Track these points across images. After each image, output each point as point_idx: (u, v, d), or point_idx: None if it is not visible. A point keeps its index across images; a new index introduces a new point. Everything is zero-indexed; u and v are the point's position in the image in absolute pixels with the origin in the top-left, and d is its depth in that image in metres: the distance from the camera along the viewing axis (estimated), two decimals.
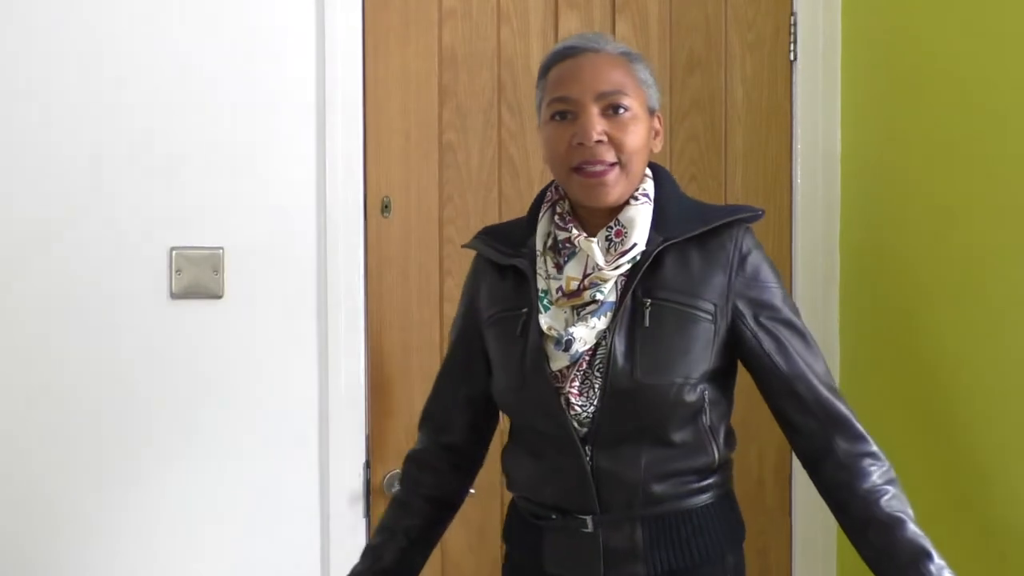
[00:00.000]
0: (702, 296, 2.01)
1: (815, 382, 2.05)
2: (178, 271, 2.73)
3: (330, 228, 2.79)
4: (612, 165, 2.00)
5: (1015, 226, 2.42)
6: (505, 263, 2.11)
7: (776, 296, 2.07)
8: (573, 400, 1.99)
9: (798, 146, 3.02)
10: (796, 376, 2.04)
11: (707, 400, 2.01)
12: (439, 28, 2.88)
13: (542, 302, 2.04)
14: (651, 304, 1.99)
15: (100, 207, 2.70)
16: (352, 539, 2.81)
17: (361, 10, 2.83)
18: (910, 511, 2.04)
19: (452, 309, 2.85)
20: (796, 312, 2.09)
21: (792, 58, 3.03)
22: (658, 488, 2.00)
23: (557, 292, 2.03)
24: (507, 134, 2.91)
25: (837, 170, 3.00)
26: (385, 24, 2.86)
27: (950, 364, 2.62)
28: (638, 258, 2.02)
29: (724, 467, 2.09)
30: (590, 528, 2.01)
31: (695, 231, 2.03)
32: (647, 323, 1.98)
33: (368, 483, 2.84)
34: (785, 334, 2.05)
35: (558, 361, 2.00)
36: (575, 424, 1.99)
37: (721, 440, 2.05)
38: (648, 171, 2.10)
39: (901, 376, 2.79)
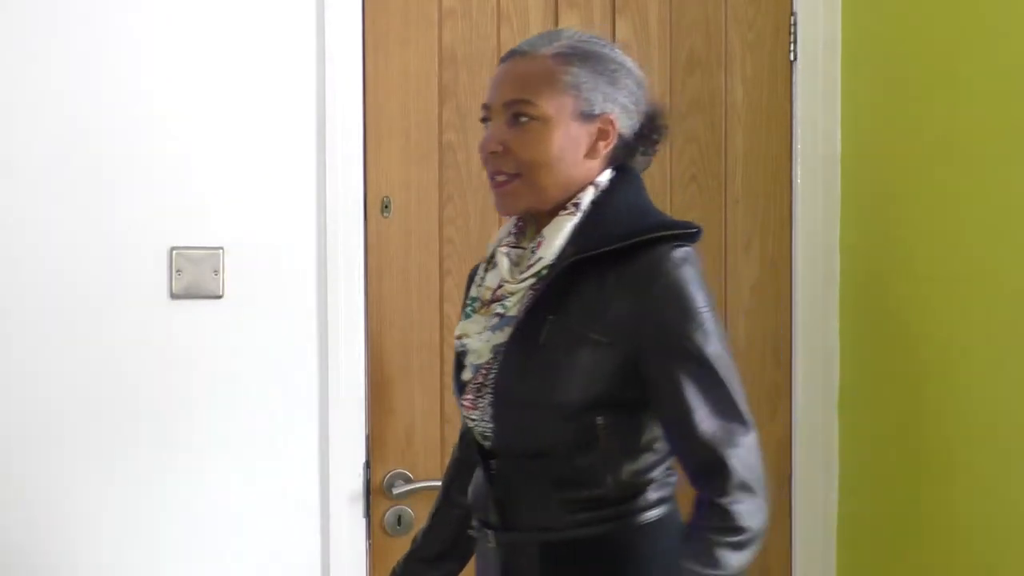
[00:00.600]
0: (604, 319, 1.86)
1: (696, 427, 1.84)
2: (178, 271, 2.73)
3: (330, 228, 2.79)
4: (514, 176, 1.93)
5: (1015, 226, 2.42)
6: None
7: (685, 326, 1.85)
8: (466, 412, 1.98)
9: (798, 146, 3.02)
10: (679, 418, 1.86)
11: (603, 429, 1.88)
12: (439, 28, 2.88)
13: (466, 309, 2.02)
14: (551, 322, 1.87)
15: (100, 207, 2.70)
16: (352, 539, 2.81)
17: (361, 10, 2.83)
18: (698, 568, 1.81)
19: (452, 309, 2.86)
20: (709, 340, 1.86)
21: (792, 58, 3.03)
22: (556, 512, 1.91)
23: (479, 301, 2.02)
24: None
25: (837, 170, 3.00)
26: (385, 24, 2.86)
27: (950, 364, 2.62)
28: (544, 272, 1.92)
29: (629, 500, 1.92)
30: (492, 544, 1.98)
31: (608, 247, 1.87)
32: (541, 341, 1.87)
33: (368, 483, 2.83)
34: (680, 372, 1.85)
35: (467, 371, 1.99)
36: (481, 436, 1.98)
37: (624, 472, 1.91)
38: (603, 177, 1.97)
39: (901, 376, 2.79)
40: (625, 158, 2.01)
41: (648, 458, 1.93)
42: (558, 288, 1.88)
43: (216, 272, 2.75)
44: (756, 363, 3.01)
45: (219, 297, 2.76)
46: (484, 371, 1.95)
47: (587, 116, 1.94)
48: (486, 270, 2.04)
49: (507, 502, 1.95)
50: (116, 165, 2.71)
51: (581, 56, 1.94)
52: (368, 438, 2.84)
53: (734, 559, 1.79)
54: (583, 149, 1.94)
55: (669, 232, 1.88)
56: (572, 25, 2.93)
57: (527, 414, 1.90)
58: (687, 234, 1.89)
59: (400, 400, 2.85)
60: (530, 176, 1.92)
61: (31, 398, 2.68)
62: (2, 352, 2.67)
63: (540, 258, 1.92)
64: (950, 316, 2.62)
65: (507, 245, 2.00)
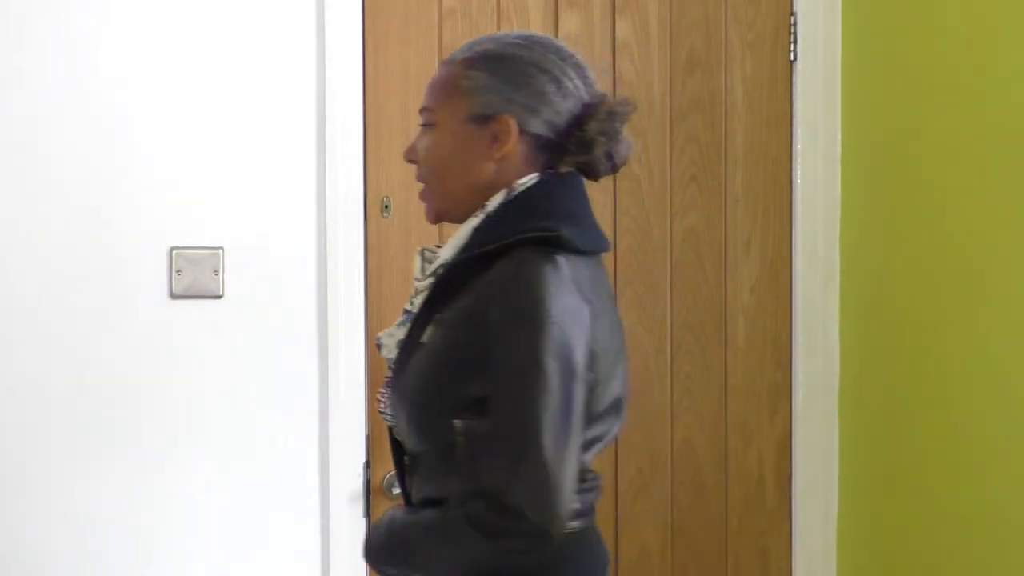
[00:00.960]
0: (468, 319, 1.83)
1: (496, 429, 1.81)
2: (178, 271, 2.73)
3: (330, 228, 2.79)
4: (422, 182, 2.00)
5: (1015, 226, 2.42)
6: None
7: (507, 335, 1.79)
8: (381, 406, 1.98)
9: (798, 146, 3.02)
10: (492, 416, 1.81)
11: (465, 433, 1.82)
12: (439, 28, 2.88)
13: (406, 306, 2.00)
14: (436, 321, 1.88)
15: (100, 207, 2.70)
16: (352, 539, 2.81)
17: (361, 10, 2.83)
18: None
19: None
20: (534, 348, 1.77)
21: (792, 58, 3.03)
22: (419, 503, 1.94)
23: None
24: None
25: (837, 170, 3.00)
26: (385, 24, 2.86)
27: (950, 364, 2.62)
28: (440, 271, 1.91)
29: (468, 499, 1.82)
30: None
31: (469, 253, 1.87)
32: (423, 340, 1.88)
33: (368, 483, 2.83)
34: (496, 375, 1.79)
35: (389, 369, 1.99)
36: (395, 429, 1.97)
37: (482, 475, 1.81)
38: (522, 180, 1.91)
39: (901, 376, 2.79)
40: (554, 159, 1.93)
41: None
42: (448, 288, 1.88)
43: (216, 272, 2.75)
44: (756, 363, 3.01)
45: (219, 297, 2.76)
46: (392, 367, 1.96)
47: (480, 118, 1.92)
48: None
49: (415, 500, 1.95)
50: (116, 165, 2.71)
51: (486, 59, 1.92)
52: (368, 438, 2.84)
53: None
54: (479, 152, 1.93)
55: (531, 236, 1.82)
56: (572, 25, 2.93)
57: (400, 409, 1.90)
58: (543, 237, 1.83)
59: None
60: (429, 180, 1.98)
61: (31, 398, 2.68)
62: (2, 352, 2.67)
63: (439, 258, 1.93)
64: (950, 316, 2.62)
65: (419, 248, 2.03)
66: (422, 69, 2.87)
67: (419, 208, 2.92)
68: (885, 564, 2.85)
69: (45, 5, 2.69)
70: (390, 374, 1.95)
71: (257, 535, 2.78)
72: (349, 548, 2.80)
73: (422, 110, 1.99)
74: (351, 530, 2.81)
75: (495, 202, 1.91)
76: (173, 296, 2.74)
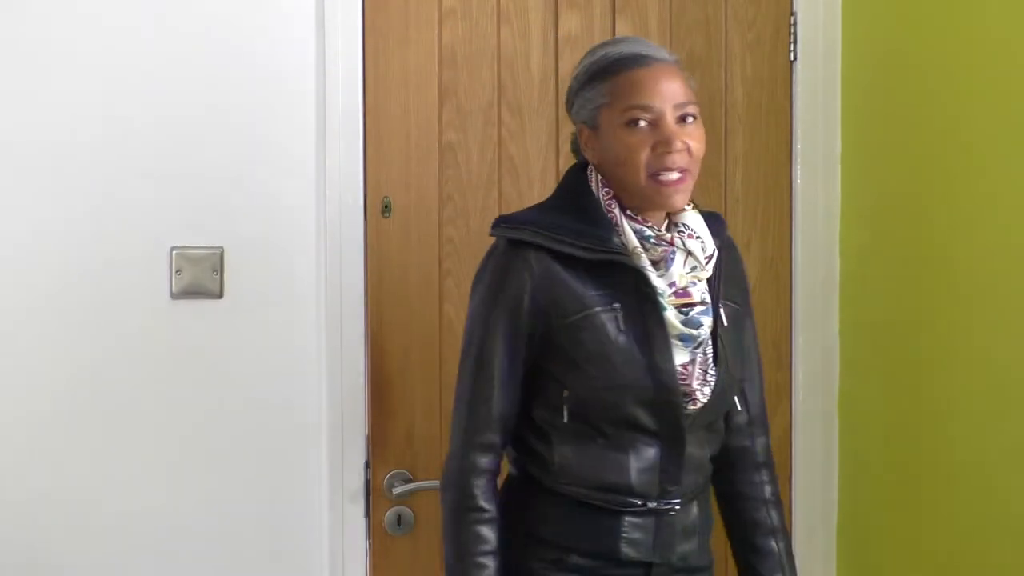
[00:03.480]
0: (735, 298, 2.27)
1: (757, 390, 2.38)
2: (178, 271, 2.73)
3: (330, 228, 2.79)
4: (685, 171, 2.13)
5: (1015, 226, 2.42)
6: (596, 258, 2.14)
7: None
8: (698, 395, 2.15)
9: (798, 146, 3.02)
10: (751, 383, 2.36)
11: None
12: (439, 28, 2.88)
13: (663, 298, 2.14)
14: (723, 305, 2.21)
15: (100, 207, 2.70)
16: (352, 539, 2.81)
17: (361, 10, 2.83)
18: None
19: (452, 309, 2.85)
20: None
21: (792, 58, 3.03)
22: (708, 471, 2.27)
23: (670, 289, 2.15)
24: (507, 134, 2.91)
25: (837, 170, 3.00)
26: (385, 24, 2.86)
27: (950, 364, 2.62)
28: (717, 256, 2.21)
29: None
30: (676, 511, 2.19)
31: (723, 235, 2.27)
32: (725, 323, 2.20)
33: (368, 483, 2.83)
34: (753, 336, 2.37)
35: (680, 356, 2.14)
36: (679, 411, 2.15)
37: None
38: None
39: (901, 376, 2.79)
40: None
41: None
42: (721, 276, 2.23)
43: (216, 272, 2.75)
44: None
45: (219, 297, 2.76)
46: (702, 355, 2.16)
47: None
48: (651, 260, 2.16)
49: (691, 469, 2.20)
50: (116, 165, 2.71)
51: (681, 63, 2.24)
52: (368, 438, 2.84)
53: None
54: None
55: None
56: (572, 25, 2.93)
57: (732, 388, 2.23)
58: None
59: (400, 400, 2.85)
60: (694, 171, 2.17)
61: (31, 398, 2.68)
62: (2, 351, 2.67)
63: (715, 248, 2.20)
64: (950, 316, 2.62)
65: (680, 236, 2.19)
66: (422, 69, 2.87)
67: (419, 208, 2.95)
68: (885, 564, 2.85)
69: (46, 7, 2.68)
70: (697, 359, 2.16)
71: (257, 535, 2.78)
72: (349, 548, 2.80)
73: (685, 104, 2.15)
74: (351, 530, 2.81)
75: None
76: (173, 296, 2.74)
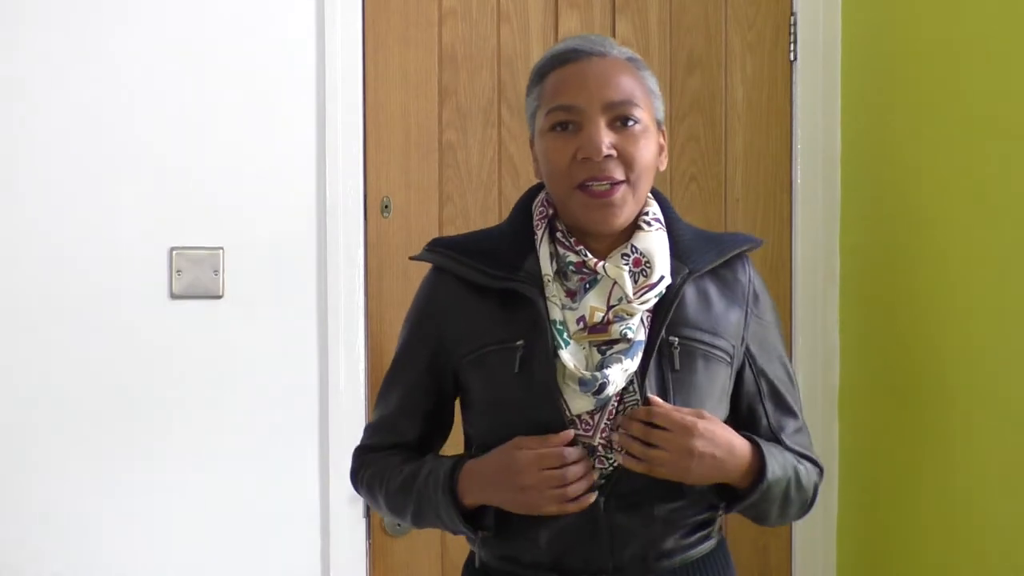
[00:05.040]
0: (722, 335, 1.89)
1: (792, 432, 2.03)
2: (178, 271, 2.73)
3: (330, 228, 2.79)
4: (620, 183, 1.82)
5: (1015, 226, 2.42)
6: (499, 286, 1.85)
7: (780, 337, 2.00)
8: (600, 452, 1.82)
9: (798, 146, 3.02)
10: (779, 425, 2.00)
11: None
12: (439, 28, 2.88)
13: (561, 336, 1.82)
14: (679, 344, 1.85)
15: (100, 207, 2.70)
16: (352, 539, 2.81)
17: (361, 10, 2.83)
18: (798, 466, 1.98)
19: None
20: (785, 347, 2.03)
21: (792, 58, 3.03)
22: (670, 542, 1.88)
23: (578, 324, 1.82)
24: (507, 134, 2.91)
25: (837, 170, 3.00)
26: (385, 24, 2.86)
27: (950, 364, 2.62)
28: (663, 292, 1.85)
29: (713, 512, 1.97)
30: None
31: (714, 262, 1.91)
32: (677, 365, 1.84)
33: None
34: (780, 378, 1.99)
35: (578, 404, 1.81)
36: (593, 477, 1.83)
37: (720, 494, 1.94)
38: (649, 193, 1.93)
39: (901, 376, 2.79)
40: None
41: None
42: (667, 308, 1.85)
43: (216, 272, 2.75)
44: None
45: (219, 297, 2.76)
46: (615, 404, 1.82)
47: (659, 125, 1.92)
48: (566, 290, 1.86)
49: (623, 540, 1.85)
50: (116, 165, 2.71)
51: (643, 64, 1.92)
52: None
53: None
54: (656, 159, 1.90)
55: (754, 244, 2.03)
56: (572, 25, 2.93)
57: None
58: (758, 246, 2.06)
59: None
60: (638, 184, 1.84)
61: (31, 397, 2.68)
62: (3, 351, 2.67)
63: (662, 276, 1.85)
64: (950, 316, 2.62)
65: (603, 262, 1.85)
66: (422, 69, 2.87)
67: (419, 208, 2.95)
68: (885, 564, 2.85)
69: (47, 8, 2.68)
70: (609, 411, 1.84)
71: (257, 535, 2.78)
72: (349, 548, 2.80)
73: (621, 103, 1.83)
74: (351, 530, 2.81)
75: (658, 212, 1.92)
76: (173, 296, 2.74)
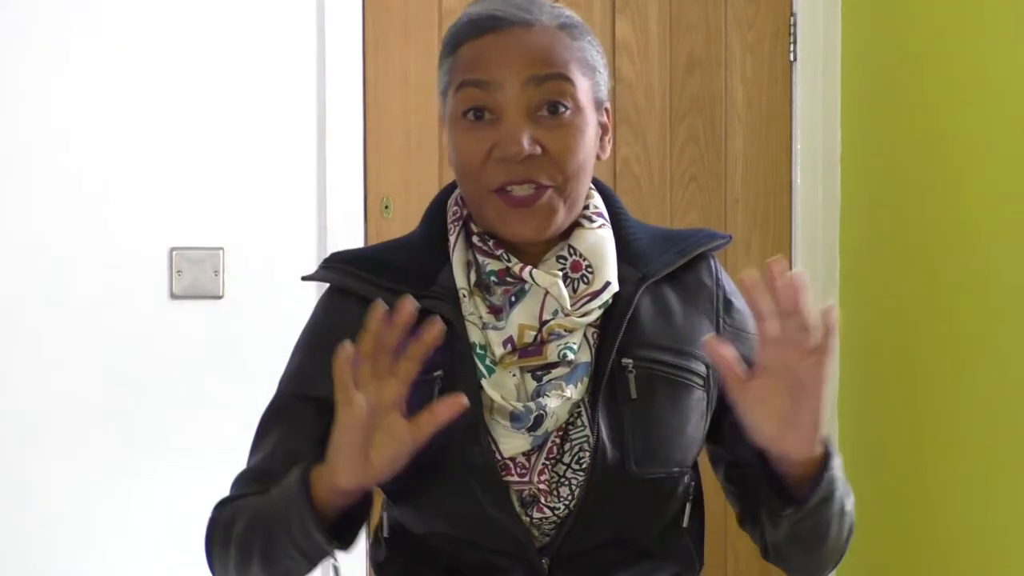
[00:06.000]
0: (692, 354, 1.50)
1: None
2: (178, 271, 2.73)
3: (330, 228, 2.79)
4: (546, 187, 1.44)
5: (1015, 225, 2.42)
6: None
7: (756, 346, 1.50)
8: (542, 500, 1.45)
9: (798, 146, 3.02)
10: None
11: (691, 493, 1.54)
12: (439, 28, 2.89)
13: (483, 362, 1.45)
14: (635, 367, 1.47)
15: (100, 207, 2.70)
16: None
17: (361, 10, 2.83)
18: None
19: None
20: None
21: (792, 58, 3.03)
22: None
23: (505, 347, 1.45)
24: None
25: (837, 170, 3.00)
26: (385, 24, 2.86)
27: (950, 363, 2.62)
28: (610, 302, 1.48)
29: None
30: None
31: (674, 263, 1.52)
32: (633, 394, 1.46)
33: None
34: None
35: (511, 444, 1.44)
36: (535, 532, 1.46)
37: (702, 544, 1.60)
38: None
39: (901, 376, 2.79)
40: None
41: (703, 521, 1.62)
42: (627, 322, 1.48)
43: (216, 272, 2.75)
44: None
45: (219, 297, 2.76)
46: (556, 441, 1.46)
47: (599, 105, 1.52)
48: (488, 305, 1.49)
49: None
50: (116, 165, 2.71)
51: (583, 29, 1.53)
52: None
53: None
54: (595, 147, 1.52)
55: (721, 242, 1.58)
56: None
57: (633, 492, 1.47)
58: (726, 243, 1.59)
59: None
60: (570, 185, 1.46)
61: (31, 397, 2.68)
62: (3, 351, 2.67)
63: (607, 283, 1.47)
64: (950, 316, 2.62)
65: (530, 268, 1.48)
66: (422, 69, 2.87)
67: (419, 208, 2.93)
68: (885, 564, 2.85)
69: (47, 7, 2.68)
70: (550, 451, 1.48)
71: None
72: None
73: (547, 80, 1.45)
74: None
75: (601, 205, 1.55)
76: (173, 296, 2.74)
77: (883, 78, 2.87)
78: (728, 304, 1.56)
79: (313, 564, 1.43)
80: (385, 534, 1.57)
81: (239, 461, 2.79)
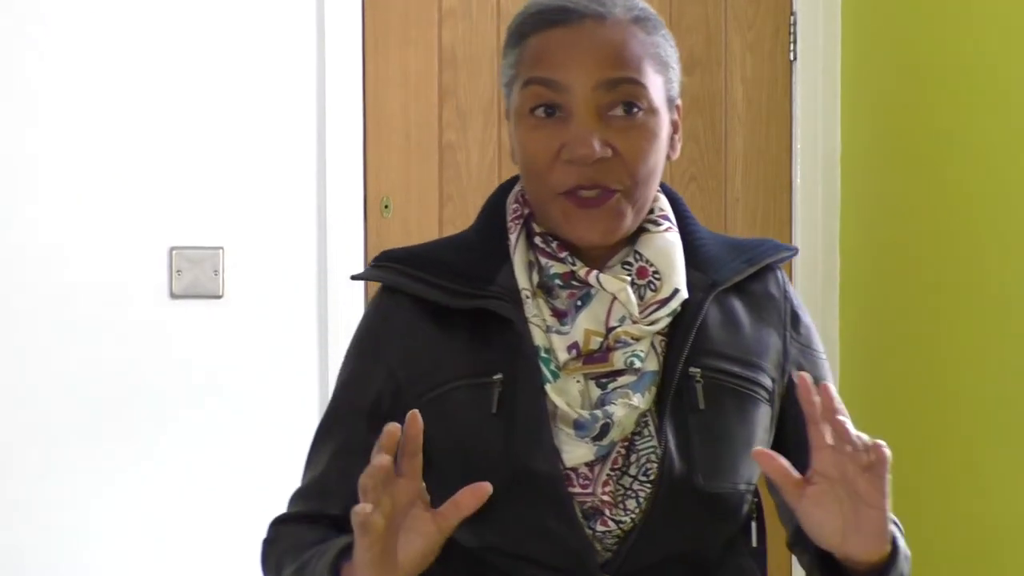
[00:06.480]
0: (760, 367, 1.46)
1: None
2: (178, 271, 2.73)
3: (330, 228, 2.79)
4: (610, 192, 1.39)
5: (1015, 225, 2.42)
6: (467, 306, 1.42)
7: (826, 366, 1.57)
8: (607, 513, 1.38)
9: (798, 146, 3.02)
10: None
11: (755, 511, 1.48)
12: (439, 28, 2.89)
13: (547, 366, 1.39)
14: (703, 377, 1.42)
15: (100, 207, 2.70)
16: None
17: (361, 10, 2.83)
18: None
19: None
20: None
21: (792, 58, 3.03)
22: None
23: (570, 352, 1.39)
24: (507, 134, 2.91)
25: (837, 170, 3.00)
26: (385, 24, 2.86)
27: (950, 364, 2.62)
28: (678, 309, 1.42)
29: None
30: None
31: (743, 272, 1.47)
32: (701, 404, 1.41)
33: None
34: None
35: (574, 454, 1.38)
36: (597, 547, 1.38)
37: (766, 565, 1.52)
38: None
39: (901, 376, 2.79)
40: None
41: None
42: (696, 330, 1.42)
43: (216, 272, 2.75)
44: None
45: (219, 297, 2.76)
46: (622, 452, 1.39)
47: (671, 103, 1.46)
48: (551, 308, 1.43)
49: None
50: (116, 165, 2.71)
51: (657, 23, 1.47)
52: None
53: None
54: (665, 147, 1.45)
55: (788, 254, 1.54)
56: None
57: (699, 508, 1.40)
58: (793, 255, 1.55)
59: None
60: (639, 190, 1.41)
61: (31, 397, 2.68)
62: (3, 351, 2.67)
63: (676, 290, 1.41)
64: (950, 315, 2.62)
65: (597, 272, 1.42)
66: (422, 69, 2.87)
67: (419, 208, 2.95)
68: None
69: (48, 6, 2.68)
70: (615, 461, 1.41)
71: (257, 536, 2.78)
72: None
73: (621, 82, 1.39)
74: None
75: (668, 208, 1.49)
76: (173, 296, 2.74)
77: (883, 77, 2.87)
78: (796, 318, 1.52)
79: None
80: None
81: (239, 461, 2.80)
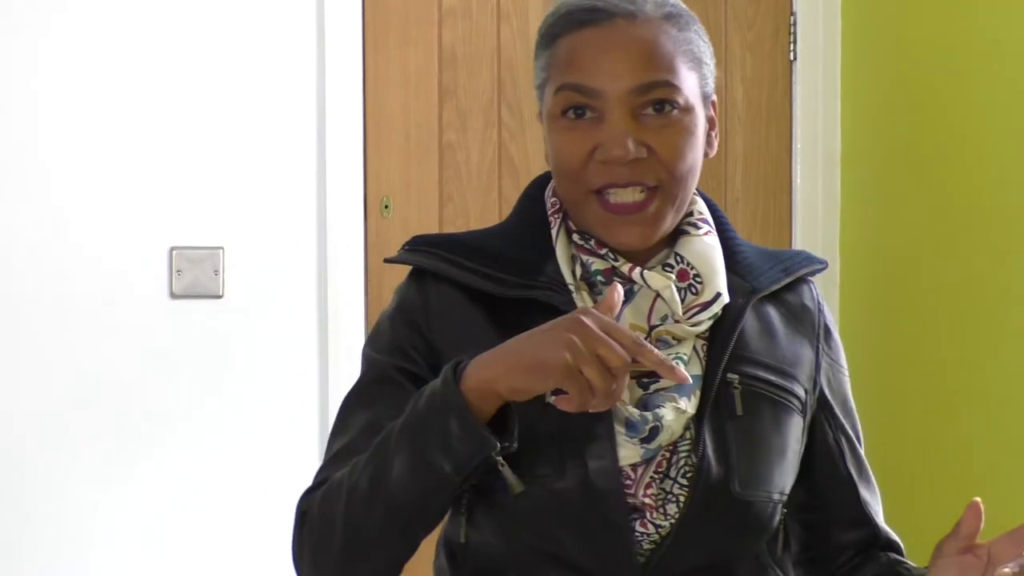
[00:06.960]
0: (794, 376, 1.45)
1: (877, 506, 1.59)
2: (178, 271, 2.73)
3: (330, 228, 2.79)
4: (653, 189, 1.38)
5: (1015, 225, 2.42)
6: (515, 296, 1.39)
7: (848, 383, 1.59)
8: (648, 516, 1.35)
9: (798, 146, 3.02)
10: (865, 500, 1.55)
11: (783, 523, 1.46)
12: (439, 28, 2.89)
13: None
14: (741, 384, 1.40)
15: (100, 207, 2.71)
16: None
17: (361, 10, 2.83)
18: None
19: None
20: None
21: (792, 58, 3.03)
22: None
23: None
24: (507, 134, 2.91)
25: (837, 170, 3.00)
26: (385, 24, 2.86)
27: (950, 363, 2.62)
28: (719, 314, 1.40)
29: None
30: None
31: (781, 280, 1.46)
32: (739, 410, 1.39)
33: None
34: (858, 437, 1.55)
35: (624, 454, 1.35)
36: (637, 548, 1.36)
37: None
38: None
39: (901, 376, 2.79)
40: None
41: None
42: (727, 336, 1.41)
43: (216, 272, 2.75)
44: None
45: (219, 297, 2.76)
46: (666, 455, 1.37)
47: (707, 99, 1.45)
48: (595, 303, 1.39)
49: None
50: (116, 165, 2.71)
51: (689, 19, 1.48)
52: None
53: None
54: (702, 144, 1.47)
55: (820, 267, 1.53)
56: None
57: (733, 514, 1.38)
58: (824, 268, 1.55)
59: None
60: (677, 189, 1.41)
61: (31, 397, 2.68)
62: (3, 351, 2.67)
63: (718, 293, 1.40)
64: (950, 316, 2.62)
65: (641, 269, 1.39)
66: (422, 69, 2.87)
67: (419, 208, 2.95)
68: None
69: (46, 6, 2.69)
70: (659, 464, 1.38)
71: (257, 535, 2.78)
72: None
73: (655, 84, 1.37)
74: None
75: (705, 211, 1.50)
76: (173, 296, 2.74)
77: (883, 77, 2.87)
78: (828, 332, 1.53)
79: (464, 474, 1.28)
80: (450, 558, 1.43)
81: (239, 460, 2.80)
